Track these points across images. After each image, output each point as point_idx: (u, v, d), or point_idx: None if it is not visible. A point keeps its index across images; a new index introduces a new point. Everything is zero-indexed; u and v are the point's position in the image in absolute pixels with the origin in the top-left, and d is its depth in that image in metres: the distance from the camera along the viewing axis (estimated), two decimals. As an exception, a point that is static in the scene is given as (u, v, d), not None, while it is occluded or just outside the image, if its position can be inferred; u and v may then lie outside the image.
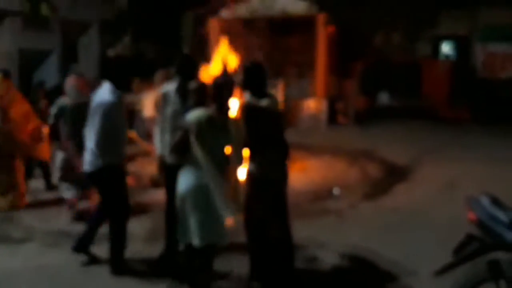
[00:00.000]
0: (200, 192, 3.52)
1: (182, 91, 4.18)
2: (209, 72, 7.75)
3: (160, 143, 4.29)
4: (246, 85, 3.93)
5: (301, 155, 8.70)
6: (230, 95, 3.67)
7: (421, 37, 15.95)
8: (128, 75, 5.21)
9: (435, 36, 17.84)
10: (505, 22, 17.99)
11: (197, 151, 3.50)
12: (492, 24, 18.05)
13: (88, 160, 4.19)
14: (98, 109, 4.09)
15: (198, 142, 3.49)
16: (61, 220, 5.81)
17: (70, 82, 5.67)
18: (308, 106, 13.67)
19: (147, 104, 9.36)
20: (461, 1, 17.38)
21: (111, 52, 15.52)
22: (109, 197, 4.30)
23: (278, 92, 13.32)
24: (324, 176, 7.95)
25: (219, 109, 3.61)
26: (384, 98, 13.62)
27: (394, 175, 8.14)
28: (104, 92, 4.16)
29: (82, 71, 21.04)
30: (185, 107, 4.04)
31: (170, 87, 4.28)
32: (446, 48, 19.06)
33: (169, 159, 4.10)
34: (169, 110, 4.19)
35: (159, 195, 5.16)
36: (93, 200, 5.61)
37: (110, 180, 4.22)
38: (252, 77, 3.94)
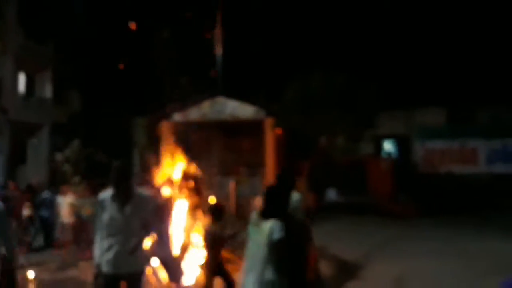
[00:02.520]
0: None
1: (118, 199, 4.23)
2: (165, 175, 7.92)
3: (98, 251, 4.23)
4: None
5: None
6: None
7: (363, 137, 16.93)
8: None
9: (376, 136, 18.98)
10: (439, 121, 19.54)
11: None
12: (427, 123, 19.50)
13: None
14: None
15: None
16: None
17: None
18: (259, 203, 13.85)
19: (65, 209, 9.27)
20: (398, 103, 18.83)
21: (59, 157, 15.43)
22: None
23: (230, 191, 13.60)
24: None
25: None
26: (332, 195, 14.08)
27: (346, 272, 8.22)
28: None
29: (30, 172, 20.63)
30: (121, 213, 4.12)
31: (106, 194, 4.32)
32: (387, 146, 20.22)
33: (105, 268, 4.08)
34: (105, 217, 4.21)
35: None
36: None
37: None
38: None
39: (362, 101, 15.18)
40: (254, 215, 4.01)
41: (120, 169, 4.24)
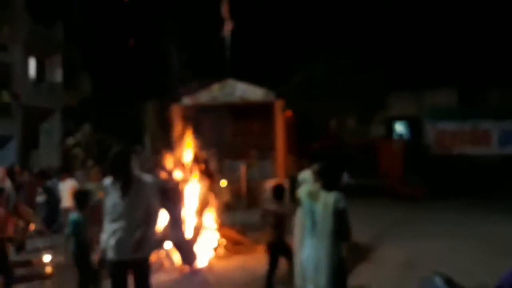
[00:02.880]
0: None
1: (118, 185, 4.22)
2: (176, 159, 7.95)
3: (104, 235, 4.24)
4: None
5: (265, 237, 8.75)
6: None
7: (374, 119, 16.82)
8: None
9: (387, 118, 18.85)
10: (449, 102, 19.35)
11: None
12: (438, 104, 19.32)
13: None
14: None
15: None
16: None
17: None
18: (270, 185, 13.90)
19: (65, 194, 9.37)
20: (408, 84, 18.66)
21: (70, 141, 15.55)
22: None
23: (241, 174, 13.65)
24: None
25: None
26: (344, 177, 14.03)
27: (357, 254, 8.25)
28: None
29: (42, 157, 20.86)
30: (123, 199, 4.13)
31: (108, 180, 4.32)
32: (399, 128, 20.10)
33: (110, 253, 4.09)
34: (109, 202, 4.24)
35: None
36: None
37: None
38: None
39: (370, 83, 15.04)
40: (307, 190, 4.27)
41: (115, 157, 4.23)
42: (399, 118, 19.88)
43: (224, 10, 13.84)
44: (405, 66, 18.52)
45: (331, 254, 3.99)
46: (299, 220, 5.02)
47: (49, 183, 10.98)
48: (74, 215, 5.46)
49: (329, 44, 17.36)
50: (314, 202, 4.11)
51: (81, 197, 5.58)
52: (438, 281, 3.20)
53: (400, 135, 19.82)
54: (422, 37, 19.38)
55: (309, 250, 4.11)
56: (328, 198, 4.04)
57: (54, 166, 17.28)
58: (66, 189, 9.62)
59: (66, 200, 9.78)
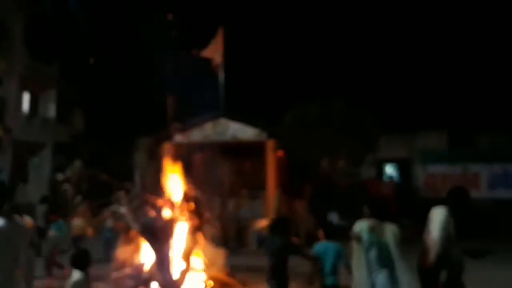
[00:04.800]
0: None
1: None
2: (164, 197, 7.93)
3: None
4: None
5: (254, 279, 8.64)
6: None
7: (364, 161, 16.92)
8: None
9: (378, 160, 18.97)
10: (440, 145, 19.56)
11: None
12: (429, 147, 19.51)
13: None
14: None
15: None
16: None
17: None
18: (262, 224, 13.81)
19: None
20: (400, 127, 18.88)
21: (60, 177, 15.48)
22: None
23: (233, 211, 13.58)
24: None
25: None
26: (334, 218, 14.01)
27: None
28: None
29: (31, 191, 20.64)
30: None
31: None
32: (389, 170, 20.20)
33: None
34: None
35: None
36: None
37: None
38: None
39: (361, 125, 15.23)
40: (365, 223, 4.67)
41: None
42: (390, 160, 20.01)
43: (217, 48, 14.13)
44: (396, 109, 18.77)
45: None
46: None
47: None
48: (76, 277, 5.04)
49: (322, 85, 17.66)
50: (372, 233, 4.62)
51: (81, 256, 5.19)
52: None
53: (390, 177, 19.90)
54: (414, 81, 19.74)
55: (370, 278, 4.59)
56: (388, 229, 4.67)
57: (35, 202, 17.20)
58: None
59: None
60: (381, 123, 16.01)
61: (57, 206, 10.77)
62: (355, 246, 4.82)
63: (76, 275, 4.96)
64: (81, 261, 5.06)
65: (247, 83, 18.69)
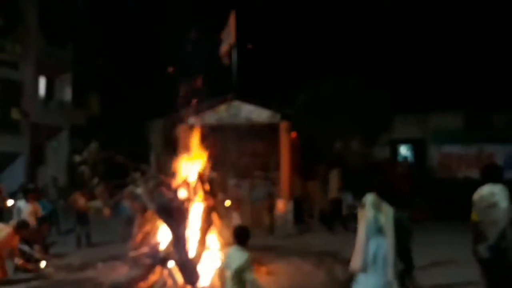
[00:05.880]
0: None
1: None
2: (180, 178, 8.06)
3: None
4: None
5: (268, 257, 8.80)
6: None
7: (378, 141, 16.83)
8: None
9: (392, 140, 18.86)
10: (455, 125, 19.36)
11: None
12: (443, 127, 19.33)
13: None
14: None
15: None
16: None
17: None
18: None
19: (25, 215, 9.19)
20: (413, 107, 18.73)
21: (77, 158, 15.70)
22: None
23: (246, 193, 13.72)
24: (291, 279, 8.00)
25: None
26: (348, 199, 14.06)
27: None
28: None
29: (49, 173, 21.05)
30: None
31: None
32: (403, 150, 20.10)
33: None
34: None
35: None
36: None
37: None
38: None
39: (375, 104, 15.12)
40: (371, 199, 5.39)
41: None
42: (404, 140, 19.89)
43: (229, 31, 14.10)
44: (410, 88, 18.61)
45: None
46: None
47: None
48: None
49: (335, 65, 17.54)
50: (376, 210, 5.41)
51: None
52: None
53: (405, 158, 19.81)
54: (429, 60, 19.52)
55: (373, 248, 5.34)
56: (387, 210, 5.43)
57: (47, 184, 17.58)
58: (27, 210, 9.25)
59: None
60: (395, 103, 15.88)
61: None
62: (360, 214, 5.57)
63: None
64: None
65: (260, 65, 18.64)
